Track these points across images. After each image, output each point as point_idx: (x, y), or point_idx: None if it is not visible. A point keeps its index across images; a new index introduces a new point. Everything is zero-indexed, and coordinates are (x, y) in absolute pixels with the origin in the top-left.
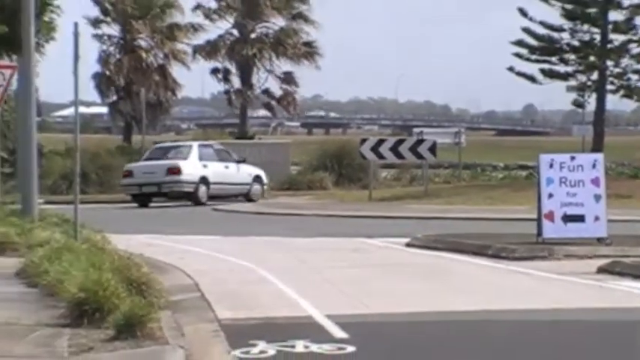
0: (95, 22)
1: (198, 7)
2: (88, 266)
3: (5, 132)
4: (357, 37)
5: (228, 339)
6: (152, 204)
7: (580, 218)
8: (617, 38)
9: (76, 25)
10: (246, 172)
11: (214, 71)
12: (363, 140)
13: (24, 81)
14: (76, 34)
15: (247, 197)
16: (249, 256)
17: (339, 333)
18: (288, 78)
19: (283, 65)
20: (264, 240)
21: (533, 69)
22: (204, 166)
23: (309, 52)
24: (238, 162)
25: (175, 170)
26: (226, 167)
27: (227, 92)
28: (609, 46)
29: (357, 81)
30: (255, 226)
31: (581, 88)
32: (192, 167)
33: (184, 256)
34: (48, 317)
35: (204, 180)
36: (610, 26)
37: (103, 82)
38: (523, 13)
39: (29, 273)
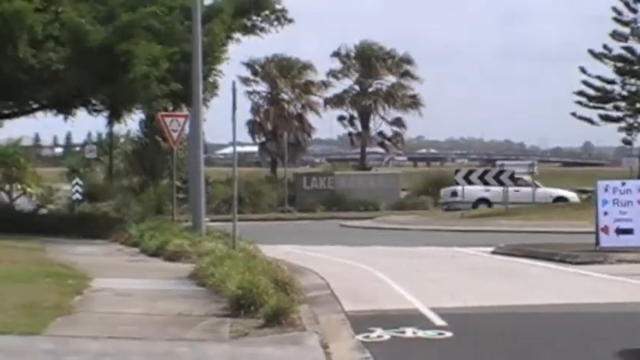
0: (247, 81)
1: (330, 72)
2: (244, 270)
3: (180, 166)
4: (452, 86)
5: (353, 326)
6: (295, 221)
7: (629, 231)
8: None
9: (233, 83)
10: (547, 193)
11: (340, 118)
12: (457, 171)
13: (194, 127)
14: (234, 90)
15: None
16: (368, 262)
17: (439, 322)
18: (397, 122)
19: (393, 113)
20: (380, 249)
21: (591, 113)
22: (487, 190)
23: (414, 102)
24: (537, 186)
25: (454, 193)
26: (516, 191)
27: (350, 134)
28: None
29: (452, 123)
30: (374, 238)
31: (630, 129)
32: (470, 190)
33: (318, 261)
34: (213, 309)
35: (484, 200)
36: None
37: (254, 127)
38: (583, 70)
39: (199, 275)
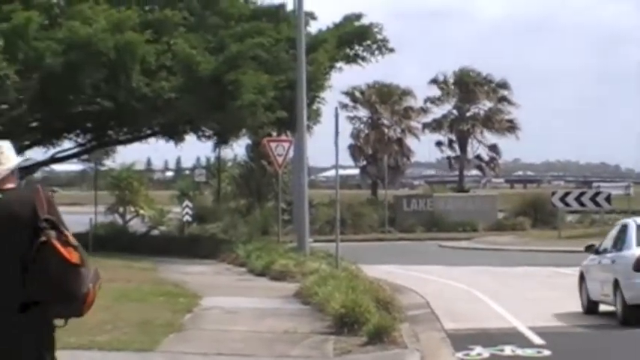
0: (347, 107)
1: (428, 99)
2: (347, 289)
3: (285, 189)
4: (548, 110)
5: (453, 344)
6: (395, 241)
7: None
8: None
9: (336, 109)
10: None
11: (438, 143)
12: (553, 193)
13: (298, 151)
14: (336, 116)
15: None
16: (466, 281)
17: (537, 340)
18: (493, 147)
19: (491, 137)
20: (478, 269)
21: None
22: None
23: (511, 126)
24: None
25: None
26: None
27: (448, 157)
28: None
29: (548, 146)
30: (472, 258)
31: None
32: None
33: (418, 281)
34: (318, 327)
35: None
36: None
37: (355, 151)
38: None
39: (303, 294)
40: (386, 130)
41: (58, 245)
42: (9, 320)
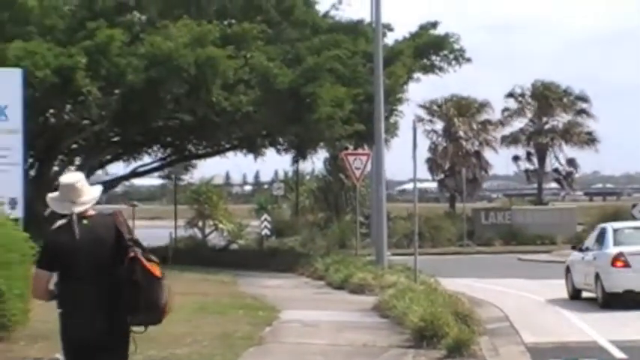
0: (423, 120)
1: (505, 110)
2: (426, 302)
3: (362, 202)
4: (628, 122)
5: (532, 358)
6: (474, 255)
7: None
8: None
9: (414, 122)
10: None
11: (515, 158)
12: (634, 205)
13: (376, 164)
14: (414, 129)
15: None
16: (546, 295)
17: (619, 354)
18: (571, 161)
19: (569, 150)
20: (557, 282)
21: None
22: None
23: (590, 139)
24: None
25: None
26: None
27: (526, 171)
28: None
29: (628, 159)
30: (550, 272)
31: None
32: None
33: (497, 294)
34: (396, 340)
35: None
36: None
37: (432, 165)
38: None
39: (382, 307)
40: (464, 143)
41: (144, 260)
42: (103, 326)
